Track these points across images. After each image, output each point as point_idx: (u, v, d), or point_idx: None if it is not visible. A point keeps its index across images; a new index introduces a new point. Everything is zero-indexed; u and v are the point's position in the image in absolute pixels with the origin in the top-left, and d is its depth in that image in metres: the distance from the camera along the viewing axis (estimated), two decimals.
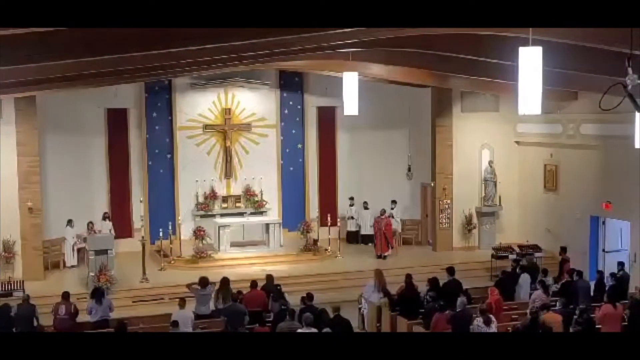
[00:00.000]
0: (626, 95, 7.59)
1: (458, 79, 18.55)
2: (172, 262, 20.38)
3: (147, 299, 18.04)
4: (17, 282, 17.82)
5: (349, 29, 8.86)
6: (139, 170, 22.70)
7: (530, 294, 15.03)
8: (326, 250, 21.64)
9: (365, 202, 23.30)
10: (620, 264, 16.51)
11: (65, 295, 14.26)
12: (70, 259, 20.71)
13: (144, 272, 18.89)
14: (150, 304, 17.64)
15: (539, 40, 8.15)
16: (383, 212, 22.19)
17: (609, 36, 9.43)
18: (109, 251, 18.30)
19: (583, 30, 8.65)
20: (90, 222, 20.83)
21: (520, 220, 22.72)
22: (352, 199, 23.70)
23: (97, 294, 14.31)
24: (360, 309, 16.07)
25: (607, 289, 14.97)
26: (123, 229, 21.88)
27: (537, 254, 19.63)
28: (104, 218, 21.32)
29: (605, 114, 17.50)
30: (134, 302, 17.85)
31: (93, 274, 17.87)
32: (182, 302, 13.59)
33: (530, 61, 7.84)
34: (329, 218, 21.90)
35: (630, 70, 7.56)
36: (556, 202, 21.28)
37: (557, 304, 13.74)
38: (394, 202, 23.00)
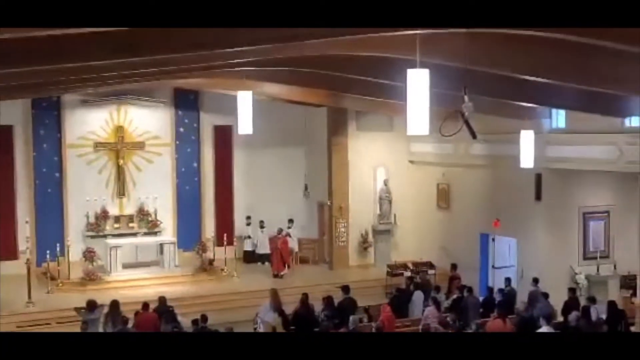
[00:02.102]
0: (463, 122, 7.95)
1: (352, 99, 18.78)
2: (60, 284, 19.60)
3: (33, 324, 17.25)
4: None
5: (243, 48, 8.78)
6: (25, 190, 21.78)
7: (423, 311, 15.30)
8: (222, 270, 21.36)
9: (261, 221, 23.18)
10: (507, 280, 17.06)
11: None
12: None
13: (29, 296, 18.09)
14: (36, 329, 16.85)
15: (426, 63, 8.29)
16: (280, 231, 22.15)
17: (491, 60, 9.78)
18: None
19: (468, 53, 8.88)
20: None
21: (414, 238, 23.15)
22: (249, 218, 23.54)
23: None
24: (255, 328, 15.90)
25: (496, 304, 15.43)
26: (7, 250, 20.95)
27: (430, 271, 20.06)
28: None
29: (494, 134, 18.19)
30: (18, 327, 17.01)
31: None
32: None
33: (418, 83, 7.96)
34: (225, 237, 21.63)
35: (466, 98, 7.92)
36: (449, 220, 21.82)
37: (449, 319, 14.03)
38: (290, 220, 23.00)
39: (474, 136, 8.68)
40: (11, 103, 19.99)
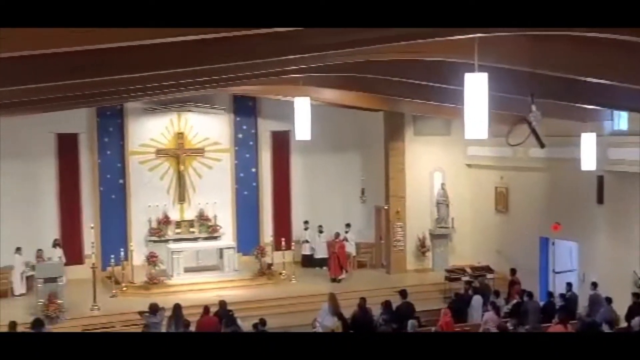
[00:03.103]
0: (530, 131, 7.84)
1: (410, 103, 18.75)
2: (124, 288, 20.07)
3: (97, 327, 17.69)
4: None
5: (302, 55, 8.90)
6: (90, 196, 22.39)
7: (483, 316, 15.19)
8: (280, 274, 21.57)
9: (320, 226, 23.32)
10: (569, 285, 16.82)
11: None
12: (19, 287, 20.21)
13: (94, 300, 18.57)
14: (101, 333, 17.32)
15: (485, 66, 8.30)
16: (337, 235, 22.26)
17: (555, 62, 9.69)
18: (58, 279, 17.96)
19: (530, 56, 8.85)
20: (40, 250, 20.40)
21: (472, 242, 22.98)
22: (306, 222, 23.71)
23: (36, 325, 13.94)
24: None
25: (557, 309, 15.22)
26: (74, 255, 21.47)
27: (489, 276, 19.88)
28: (54, 245, 20.89)
29: (553, 137, 17.95)
30: (84, 330, 17.47)
31: (42, 303, 17.50)
32: None
33: (476, 87, 7.97)
34: (283, 242, 21.86)
35: (533, 107, 7.80)
36: (507, 224, 21.60)
37: (509, 325, 13.91)
38: (348, 225, 23.07)
39: (542, 145, 8.57)
40: (77, 111, 20.59)
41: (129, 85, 11.40)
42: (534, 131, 7.86)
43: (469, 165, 23.17)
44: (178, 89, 15.22)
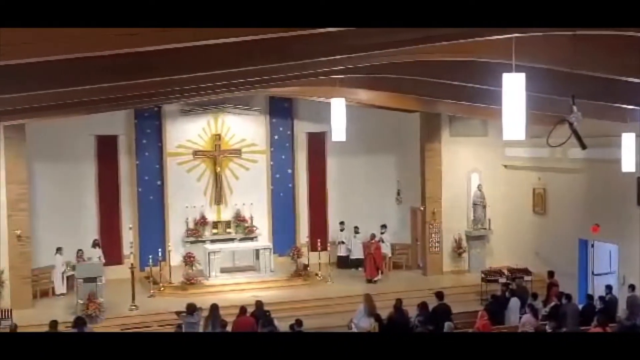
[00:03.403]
0: (571, 132, 7.73)
1: (446, 104, 18.69)
2: (162, 288, 20.29)
3: (136, 327, 17.93)
4: (5, 311, 17.65)
5: (341, 56, 8.94)
6: (128, 197, 22.68)
7: (520, 318, 15.05)
8: (317, 275, 21.61)
9: (356, 227, 23.30)
10: (608, 288, 16.58)
11: None
12: (60, 287, 20.55)
13: (133, 299, 18.80)
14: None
15: (522, 67, 8.25)
16: (373, 236, 22.23)
17: (593, 62, 9.59)
18: (98, 279, 18.23)
19: (568, 56, 8.77)
20: (80, 250, 20.73)
21: (509, 243, 22.77)
22: (342, 223, 23.72)
23: (79, 323, 14.19)
24: None
25: (596, 312, 15.01)
26: (113, 255, 21.76)
27: (526, 278, 19.66)
28: (94, 245, 21.20)
29: (592, 138, 17.70)
30: (123, 330, 17.72)
31: (82, 302, 17.79)
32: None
33: (514, 87, 7.91)
34: (319, 243, 21.89)
35: (574, 107, 7.69)
36: (545, 226, 21.37)
37: (547, 327, 13.76)
38: (383, 226, 23.02)
39: (583, 147, 8.45)
40: (115, 114, 20.92)
41: (171, 87, 11.55)
42: (575, 132, 7.74)
43: (506, 166, 22.97)
44: (214, 91, 15.34)
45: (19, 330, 14.18)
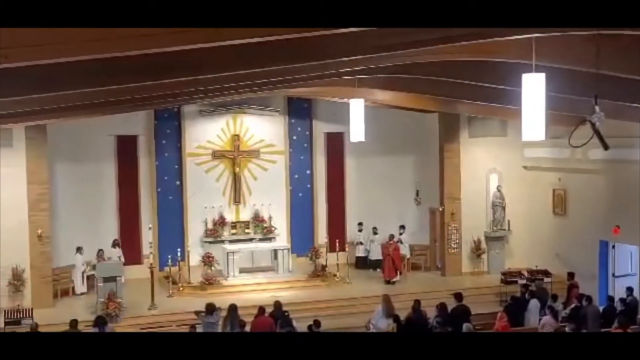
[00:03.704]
0: (594, 133, 7.67)
1: (465, 105, 18.61)
2: (181, 288, 20.38)
3: (156, 326, 18.02)
4: (26, 310, 17.81)
5: (367, 56, 8.93)
6: (148, 197, 22.82)
7: (540, 320, 14.96)
8: (335, 275, 21.61)
9: (374, 228, 23.27)
10: (629, 289, 16.43)
11: None
12: (80, 286, 20.72)
13: (152, 299, 18.91)
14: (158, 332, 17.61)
15: (542, 67, 8.20)
16: (391, 237, 22.19)
17: (615, 62, 9.50)
18: (118, 278, 18.38)
19: (588, 56, 8.70)
20: (100, 250, 20.88)
21: (529, 244, 22.62)
22: (361, 224, 23.70)
23: (99, 323, 14.30)
24: None
25: (617, 314, 14.88)
26: (132, 255, 21.91)
27: (546, 279, 19.55)
28: (114, 245, 21.36)
29: (613, 138, 17.57)
30: (142, 329, 17.82)
31: (102, 301, 17.92)
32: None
33: (534, 87, 7.87)
34: (337, 243, 21.90)
35: (597, 108, 7.62)
36: (565, 227, 21.21)
37: (567, 329, 13.66)
38: (402, 227, 22.98)
39: (605, 147, 8.38)
40: (135, 114, 21.07)
41: (195, 87, 11.60)
42: (597, 133, 7.67)
43: (525, 167, 22.82)
44: (234, 92, 15.38)
45: (40, 329, 14.27)
